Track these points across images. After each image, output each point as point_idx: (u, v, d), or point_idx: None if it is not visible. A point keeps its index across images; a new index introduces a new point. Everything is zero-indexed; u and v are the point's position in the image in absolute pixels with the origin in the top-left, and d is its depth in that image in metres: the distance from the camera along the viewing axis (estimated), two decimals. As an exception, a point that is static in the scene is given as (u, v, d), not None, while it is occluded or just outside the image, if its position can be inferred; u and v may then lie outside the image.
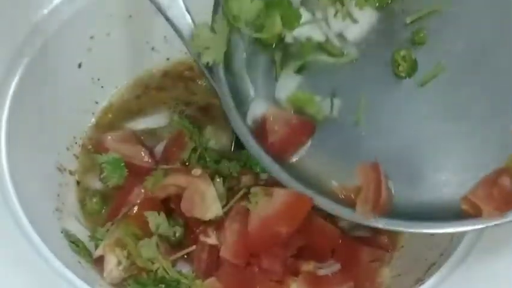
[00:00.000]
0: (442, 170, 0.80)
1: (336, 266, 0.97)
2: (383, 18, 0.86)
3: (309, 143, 0.84)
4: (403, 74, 0.83)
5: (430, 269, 0.90)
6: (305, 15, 0.86)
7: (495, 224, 0.77)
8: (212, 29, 0.86)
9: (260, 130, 0.85)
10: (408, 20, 0.84)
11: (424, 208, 0.79)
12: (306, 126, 0.84)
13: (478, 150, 0.79)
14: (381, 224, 0.80)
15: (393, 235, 1.02)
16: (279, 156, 0.83)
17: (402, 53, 0.83)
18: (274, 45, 0.87)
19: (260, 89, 0.88)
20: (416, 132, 0.82)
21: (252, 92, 0.88)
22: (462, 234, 0.87)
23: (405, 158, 0.82)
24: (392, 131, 0.83)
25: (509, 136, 0.79)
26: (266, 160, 0.84)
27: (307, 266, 0.96)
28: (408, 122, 0.83)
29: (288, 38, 0.86)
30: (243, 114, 0.86)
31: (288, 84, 0.86)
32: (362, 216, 0.79)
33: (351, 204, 0.81)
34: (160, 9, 1.08)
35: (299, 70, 0.86)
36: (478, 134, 0.80)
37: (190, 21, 1.04)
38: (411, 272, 0.94)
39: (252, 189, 0.95)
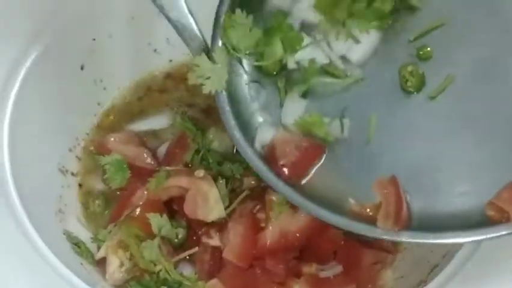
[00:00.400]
0: (459, 180, 0.79)
1: (338, 268, 0.97)
2: (386, 37, 0.85)
3: (320, 164, 0.84)
4: (412, 89, 0.82)
5: (433, 271, 0.90)
6: (306, 39, 0.85)
7: None
8: (212, 59, 0.85)
9: (270, 155, 0.84)
10: (411, 37, 0.84)
11: (444, 219, 0.77)
12: (316, 149, 0.83)
13: (494, 158, 0.78)
14: (404, 237, 0.77)
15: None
16: (291, 179, 0.83)
17: (410, 68, 0.82)
18: (276, 73, 0.86)
19: (266, 114, 0.87)
20: (429, 146, 0.81)
21: (257, 119, 0.87)
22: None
23: (420, 172, 0.80)
24: (405, 146, 0.82)
25: None
26: (278, 184, 0.83)
27: (310, 268, 0.97)
28: (420, 136, 0.81)
29: (290, 64, 0.86)
30: (251, 140, 0.85)
31: (294, 109, 0.85)
32: (385, 232, 0.78)
33: (370, 221, 0.79)
34: (162, 11, 1.08)
35: (304, 94, 0.85)
36: (492, 142, 0.79)
37: (193, 22, 1.04)
38: (414, 274, 0.94)
39: (276, 197, 0.95)
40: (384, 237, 0.79)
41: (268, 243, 0.94)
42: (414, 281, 0.92)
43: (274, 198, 0.95)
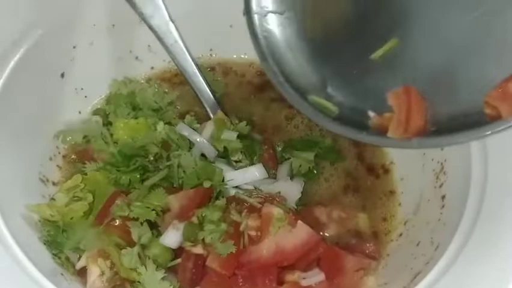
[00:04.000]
0: (472, 79, 0.76)
1: (321, 276, 0.96)
2: None
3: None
4: None
5: (416, 277, 0.90)
6: None
7: None
8: None
9: None
10: None
11: (464, 119, 0.75)
12: None
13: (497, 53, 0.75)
14: (415, 144, 0.76)
15: (379, 243, 1.03)
16: None
17: None
18: None
19: None
20: (446, 47, 0.79)
21: None
22: (446, 242, 0.88)
23: (438, 76, 0.79)
24: (423, 53, 0.80)
25: None
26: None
27: (292, 276, 0.96)
28: (438, 40, 0.80)
29: None
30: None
31: None
32: (396, 140, 0.76)
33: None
34: (143, 18, 1.07)
35: None
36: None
37: (173, 29, 1.04)
38: (397, 281, 0.94)
39: (277, 213, 0.95)
40: (396, 146, 0.79)
41: (262, 257, 0.93)
42: (397, 288, 0.92)
43: (274, 212, 0.95)
